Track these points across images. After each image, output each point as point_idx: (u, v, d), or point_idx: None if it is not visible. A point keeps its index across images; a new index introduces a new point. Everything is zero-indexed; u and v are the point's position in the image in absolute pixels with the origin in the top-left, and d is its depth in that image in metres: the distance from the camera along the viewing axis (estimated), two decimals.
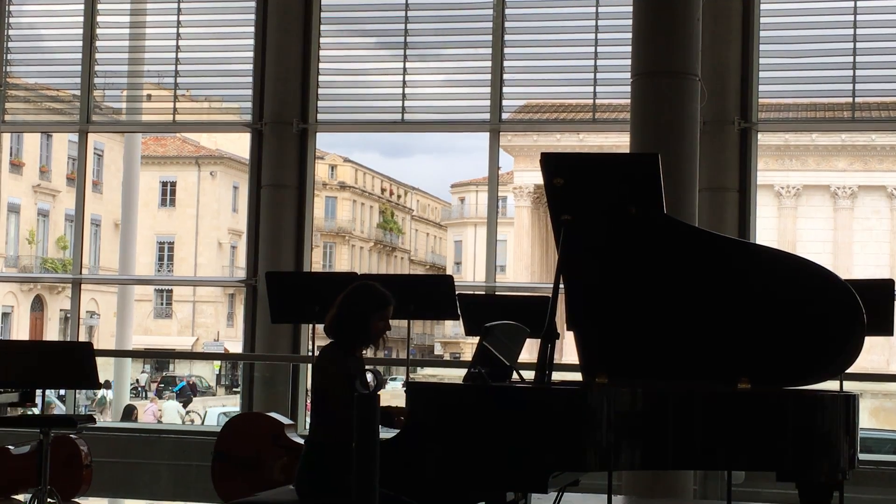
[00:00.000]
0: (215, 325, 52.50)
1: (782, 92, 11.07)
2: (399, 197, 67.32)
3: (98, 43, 12.05)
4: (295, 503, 5.27)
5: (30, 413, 8.62)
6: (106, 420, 21.52)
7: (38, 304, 45.18)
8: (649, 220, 5.24)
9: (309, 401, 5.60)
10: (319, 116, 11.54)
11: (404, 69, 11.39)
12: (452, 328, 55.66)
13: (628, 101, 9.74)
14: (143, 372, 44.11)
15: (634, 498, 8.95)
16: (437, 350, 61.09)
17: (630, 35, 9.68)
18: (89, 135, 12.34)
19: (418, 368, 36.86)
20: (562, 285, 5.33)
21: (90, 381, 7.71)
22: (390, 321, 5.54)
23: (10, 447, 8.84)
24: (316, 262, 52.39)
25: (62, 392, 28.04)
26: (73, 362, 7.73)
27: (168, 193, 53.07)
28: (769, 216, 40.00)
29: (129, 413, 27.91)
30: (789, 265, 5.32)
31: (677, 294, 5.39)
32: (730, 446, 4.98)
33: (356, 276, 8.23)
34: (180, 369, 46.68)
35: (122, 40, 12.28)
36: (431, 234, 69.61)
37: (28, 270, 43.77)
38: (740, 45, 10.58)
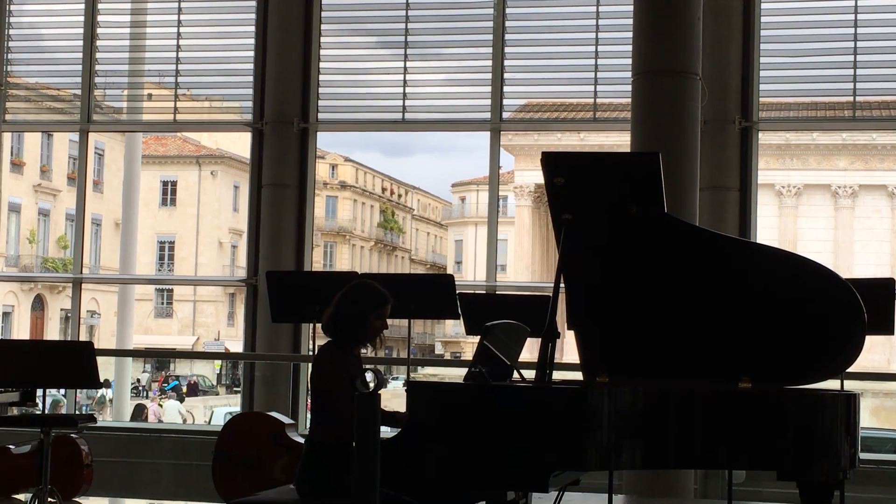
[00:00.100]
0: (216, 324, 52.51)
1: (783, 91, 11.06)
2: (400, 196, 67.33)
3: (99, 42, 12.05)
4: (296, 502, 5.27)
5: (31, 412, 8.62)
6: (106, 419, 21.51)
7: (38, 304, 45.19)
8: (650, 219, 5.24)
9: (309, 400, 5.60)
10: (320, 116, 11.53)
11: (405, 68, 11.39)
12: (453, 327, 55.68)
13: (629, 100, 9.74)
14: (144, 371, 44.13)
15: (635, 497, 8.95)
16: (438, 349, 61.11)
17: (631, 34, 9.67)
18: (90, 134, 12.34)
19: (419, 368, 36.87)
20: (562, 284, 5.33)
21: (91, 380, 7.71)
22: (391, 320, 5.54)
23: (10, 446, 8.84)
24: (316, 261, 52.42)
25: (62, 391, 28.09)
26: (73, 362, 7.73)
27: (169, 193, 53.08)
28: (770, 215, 40.00)
29: (140, 412, 27.98)
30: (790, 264, 5.32)
31: (678, 293, 5.38)
32: (730, 445, 4.98)
33: (357, 275, 8.22)
34: (181, 369, 46.71)
35: (123, 39, 12.28)
36: (432, 234, 69.62)
37: (29, 270, 43.78)
38: (741, 44, 10.58)
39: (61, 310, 44.63)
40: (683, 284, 5.36)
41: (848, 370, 5.48)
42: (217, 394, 44.13)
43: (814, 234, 41.92)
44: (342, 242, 60.46)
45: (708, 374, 5.36)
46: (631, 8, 9.67)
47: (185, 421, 30.32)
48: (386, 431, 5.00)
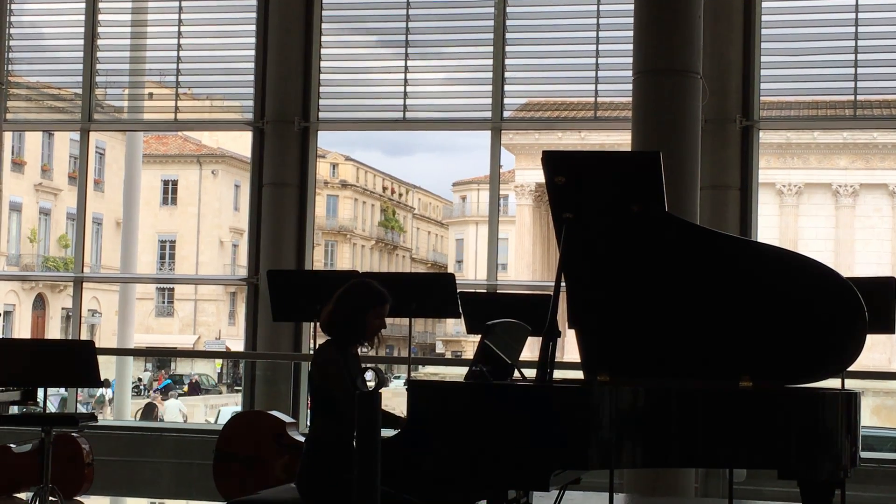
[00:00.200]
0: (217, 323, 52.52)
1: (784, 90, 11.07)
2: (400, 195, 67.33)
3: (99, 41, 12.05)
4: (296, 501, 5.27)
5: (32, 411, 8.63)
6: (107, 419, 21.51)
7: (39, 303, 45.20)
8: (651, 218, 5.23)
9: (309, 399, 5.60)
10: (321, 115, 11.54)
11: (405, 67, 11.39)
12: (454, 326, 55.70)
13: (630, 99, 9.74)
14: (145, 370, 44.14)
15: (636, 496, 8.95)
16: (439, 348, 61.13)
17: (631, 33, 9.67)
18: (91, 133, 12.34)
19: (420, 367, 36.90)
20: (563, 283, 5.33)
21: (92, 379, 7.71)
22: (392, 319, 5.54)
23: (11, 445, 8.85)
24: (317, 260, 52.41)
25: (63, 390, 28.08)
26: (74, 361, 7.74)
27: (169, 192, 53.08)
28: (771, 214, 40.00)
29: (150, 411, 27.98)
30: (791, 263, 5.32)
31: (679, 292, 5.39)
32: (731, 444, 4.98)
33: (357, 274, 8.23)
34: (182, 368, 46.72)
35: (124, 39, 12.28)
36: (433, 233, 69.62)
37: (30, 269, 43.80)
38: (742, 43, 10.58)
39: (62, 309, 44.65)
40: (684, 283, 5.36)
41: (849, 369, 5.47)
42: (220, 392, 44.10)
43: (815, 233, 41.94)
44: (343, 241, 60.48)
45: (709, 372, 5.36)
46: (632, 6, 9.67)
47: (185, 419, 30.34)
48: (385, 431, 5.00)
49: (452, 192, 66.30)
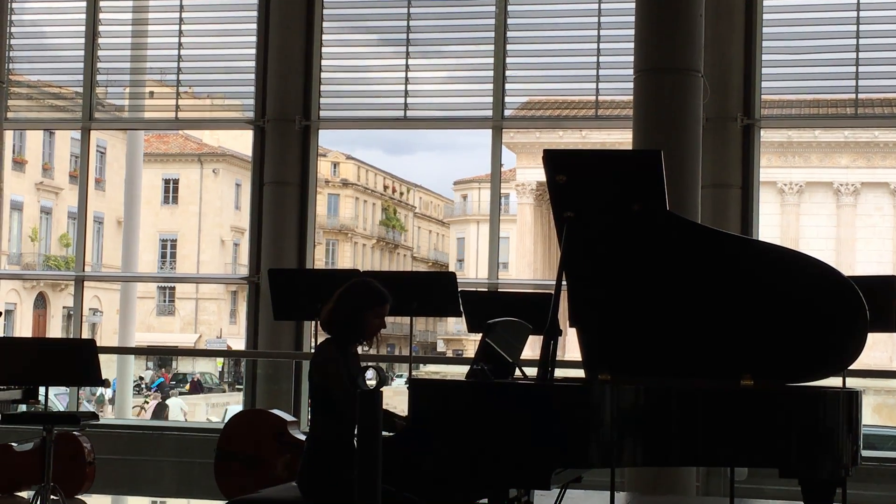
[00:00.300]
0: (218, 322, 52.53)
1: (785, 88, 11.07)
2: (402, 194, 67.33)
3: (100, 40, 12.06)
4: (298, 500, 5.28)
5: (33, 410, 8.63)
6: (107, 418, 21.50)
7: (41, 302, 45.22)
8: (652, 217, 5.23)
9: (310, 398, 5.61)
10: (322, 113, 11.54)
11: (407, 66, 11.40)
12: (455, 325, 55.72)
13: (631, 97, 9.73)
14: (147, 369, 44.15)
15: (637, 494, 8.95)
16: (440, 347, 61.13)
17: (633, 31, 9.67)
18: (92, 132, 12.36)
19: (421, 365, 36.91)
20: (564, 282, 5.33)
21: (93, 378, 7.71)
22: (393, 318, 5.54)
23: (13, 444, 8.85)
24: (318, 259, 52.42)
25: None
26: (75, 359, 7.74)
27: (170, 191, 53.09)
28: (772, 213, 39.99)
29: (161, 411, 27.99)
30: (792, 262, 5.31)
31: (680, 291, 5.38)
32: (732, 443, 4.98)
33: (359, 273, 8.22)
34: (183, 366, 46.73)
35: (125, 37, 12.29)
36: (434, 232, 69.62)
37: (31, 268, 43.81)
38: (743, 42, 10.58)
39: (63, 308, 44.66)
40: (685, 282, 5.36)
41: (850, 368, 5.47)
42: (223, 391, 44.09)
43: (816, 232, 41.93)
44: (344, 240, 60.48)
45: (710, 371, 5.36)
46: (633, 5, 9.67)
47: (186, 418, 30.33)
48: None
49: (453, 190, 66.31)
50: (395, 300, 5.48)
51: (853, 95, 10.68)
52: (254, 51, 11.66)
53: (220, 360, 47.58)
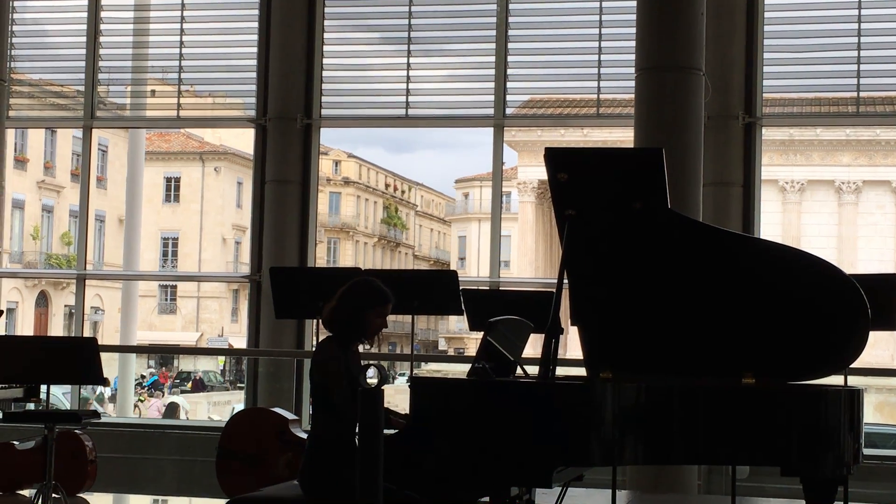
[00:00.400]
0: (219, 320, 52.54)
1: (787, 86, 11.07)
2: (403, 192, 67.34)
3: (102, 38, 12.06)
4: (299, 498, 5.28)
5: (35, 408, 8.64)
6: (107, 416, 21.52)
7: (42, 300, 45.23)
8: (653, 215, 5.23)
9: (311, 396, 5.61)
10: (323, 112, 11.54)
11: (408, 64, 11.40)
12: (456, 323, 55.72)
13: (632, 95, 9.73)
14: (148, 367, 44.16)
15: (638, 493, 8.95)
16: (442, 345, 61.14)
17: (634, 30, 9.67)
18: (93, 130, 12.36)
19: (422, 364, 36.90)
20: (566, 280, 5.33)
21: (94, 376, 7.72)
22: (394, 316, 5.54)
23: (14, 442, 8.86)
24: (320, 257, 52.43)
25: (89, 388, 28.08)
26: (77, 358, 7.74)
27: (172, 189, 53.10)
28: (773, 211, 39.97)
29: (173, 410, 27.96)
30: (793, 260, 5.31)
31: (681, 289, 5.38)
32: (734, 441, 4.98)
33: (360, 271, 8.23)
34: (185, 365, 46.74)
35: (126, 36, 12.30)
36: (435, 230, 69.63)
37: (33, 266, 43.82)
38: (744, 40, 10.58)
39: (65, 306, 44.68)
40: (686, 280, 5.36)
41: (852, 366, 5.47)
42: (227, 389, 44.09)
43: (817, 230, 41.92)
44: (345, 238, 60.50)
45: (711, 369, 5.36)
46: (634, 3, 9.67)
47: (187, 416, 30.30)
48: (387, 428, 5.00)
49: (455, 189, 66.31)
50: (397, 298, 5.48)
51: (855, 93, 10.68)
52: (255, 49, 11.67)
53: (221, 358, 47.59)
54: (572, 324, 5.54)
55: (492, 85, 11.08)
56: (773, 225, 38.78)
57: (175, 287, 53.13)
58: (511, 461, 4.86)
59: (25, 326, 42.91)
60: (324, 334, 5.55)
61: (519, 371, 5.60)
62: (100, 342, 8.04)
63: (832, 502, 5.06)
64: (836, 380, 5.94)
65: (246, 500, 5.37)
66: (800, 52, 10.78)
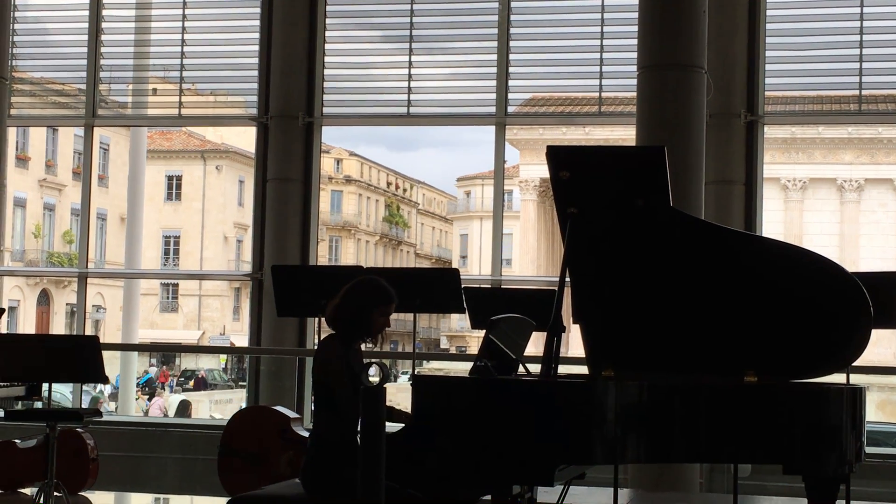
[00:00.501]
0: (221, 318, 52.56)
1: (788, 85, 11.06)
2: (405, 191, 67.34)
3: (104, 37, 12.06)
4: (301, 496, 5.27)
5: (36, 407, 8.64)
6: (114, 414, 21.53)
7: (44, 298, 45.25)
8: (655, 213, 5.23)
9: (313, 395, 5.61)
10: (325, 110, 11.54)
11: (410, 63, 11.39)
12: (458, 322, 55.70)
13: (634, 94, 9.72)
14: (150, 366, 44.17)
15: (640, 491, 8.95)
16: (443, 343, 61.12)
17: (636, 28, 9.66)
18: (95, 129, 12.36)
19: (424, 362, 36.87)
20: (567, 278, 5.32)
21: (96, 375, 7.72)
22: (396, 314, 5.53)
23: (16, 441, 8.86)
24: (322, 255, 52.31)
25: (100, 388, 28.10)
26: (79, 356, 7.74)
27: (174, 187, 53.11)
28: (775, 209, 39.97)
29: (185, 408, 27.96)
30: (796, 258, 5.31)
31: (683, 287, 5.38)
32: (736, 439, 4.98)
33: (362, 269, 8.23)
34: (186, 363, 46.76)
35: (128, 34, 12.29)
36: (437, 228, 69.64)
37: (34, 264, 43.85)
38: (746, 38, 10.57)
39: (67, 304, 44.70)
40: (689, 278, 5.36)
41: (854, 364, 5.47)
42: (231, 387, 44.08)
43: (819, 228, 41.91)
44: (347, 237, 60.51)
45: (713, 367, 5.35)
46: (636, 1, 9.66)
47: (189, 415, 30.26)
48: (389, 426, 4.99)
49: (457, 187, 66.29)
50: (399, 297, 5.48)
51: (857, 92, 10.67)
52: (257, 47, 11.66)
53: (223, 356, 47.60)
54: (574, 322, 5.53)
55: (494, 83, 11.08)
56: (775, 223, 38.78)
57: (177, 285, 53.14)
58: (513, 459, 4.86)
59: (27, 325, 42.93)
60: (325, 332, 5.54)
61: (521, 369, 5.59)
62: (101, 340, 8.04)
63: (834, 501, 5.06)
64: (838, 378, 5.93)
65: (248, 499, 5.37)
66: (802, 50, 10.77)
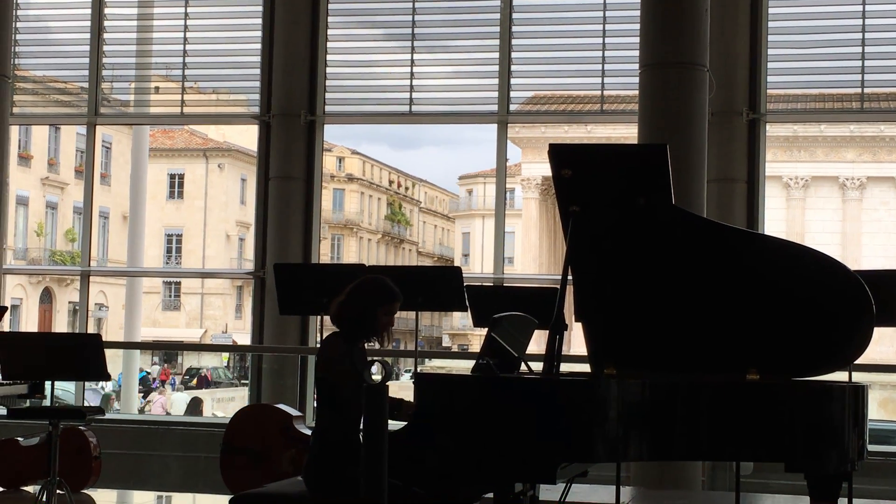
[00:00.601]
0: (223, 317, 52.56)
1: (791, 82, 11.06)
2: (407, 189, 67.32)
3: (106, 35, 12.06)
4: (303, 494, 5.27)
5: (39, 405, 8.64)
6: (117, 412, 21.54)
7: (46, 297, 45.26)
8: (657, 211, 5.23)
9: (315, 392, 5.61)
10: (327, 108, 11.54)
11: (412, 61, 11.39)
12: (460, 320, 55.68)
13: (636, 92, 9.72)
14: (153, 364, 44.19)
15: (643, 489, 8.95)
16: (445, 342, 61.09)
17: (638, 26, 9.66)
18: (97, 127, 12.38)
19: (426, 360, 36.87)
20: (570, 276, 5.33)
21: (99, 373, 7.72)
22: (399, 312, 5.54)
23: (19, 439, 8.87)
24: (324, 254, 52.43)
25: (110, 386, 28.06)
26: (81, 354, 7.74)
27: (176, 186, 53.11)
28: (777, 207, 39.92)
29: (196, 406, 27.97)
30: (797, 256, 5.31)
31: (685, 285, 5.38)
32: (738, 437, 4.98)
33: (364, 267, 8.23)
34: (189, 361, 46.77)
35: (130, 32, 12.30)
36: (439, 226, 69.60)
37: (37, 263, 43.85)
38: (748, 36, 10.57)
39: (69, 302, 44.69)
40: (691, 276, 5.36)
41: (856, 362, 5.47)
42: (234, 385, 44.08)
43: (821, 226, 41.86)
44: (349, 235, 60.49)
45: (715, 365, 5.36)
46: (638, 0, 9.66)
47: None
48: (392, 424, 5.00)
49: (459, 185, 66.23)
50: (403, 300, 5.48)
51: (859, 90, 10.67)
52: (259, 46, 11.67)
53: (225, 355, 47.61)
54: (576, 320, 5.53)
55: (496, 81, 11.08)
56: (776, 221, 38.73)
57: (179, 284, 53.14)
58: (515, 457, 4.86)
59: (29, 323, 42.95)
60: (328, 330, 5.55)
61: (523, 367, 5.60)
62: (104, 339, 8.04)
63: (836, 498, 5.06)
64: (840, 376, 5.93)
65: (250, 497, 5.37)
66: (803, 49, 10.76)
